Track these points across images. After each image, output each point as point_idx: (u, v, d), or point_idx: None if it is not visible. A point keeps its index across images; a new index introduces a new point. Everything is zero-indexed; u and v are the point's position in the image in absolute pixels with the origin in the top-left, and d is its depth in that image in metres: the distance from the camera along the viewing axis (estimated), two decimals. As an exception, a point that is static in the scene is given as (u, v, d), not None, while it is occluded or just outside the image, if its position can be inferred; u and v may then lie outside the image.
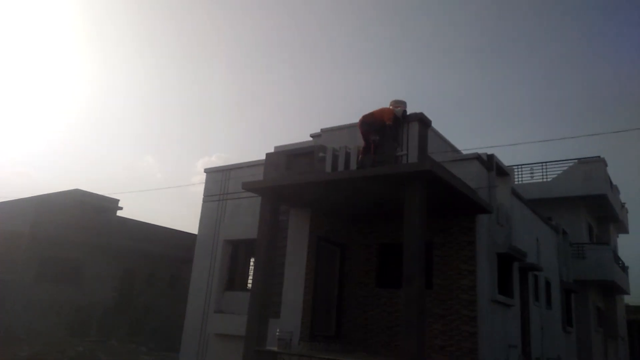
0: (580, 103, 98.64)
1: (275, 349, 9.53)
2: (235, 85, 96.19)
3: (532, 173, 22.87)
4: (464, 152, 14.45)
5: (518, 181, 22.58)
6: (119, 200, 24.32)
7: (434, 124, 10.25)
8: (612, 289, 22.50)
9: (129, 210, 58.76)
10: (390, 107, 9.78)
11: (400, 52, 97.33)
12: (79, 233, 19.93)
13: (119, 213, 24.12)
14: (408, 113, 9.79)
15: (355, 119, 10.00)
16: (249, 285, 12.42)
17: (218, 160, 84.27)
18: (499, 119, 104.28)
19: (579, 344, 18.47)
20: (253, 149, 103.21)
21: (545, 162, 22.60)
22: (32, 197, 22.55)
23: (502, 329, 11.17)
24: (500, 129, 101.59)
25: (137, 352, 18.49)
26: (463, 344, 10.01)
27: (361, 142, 9.69)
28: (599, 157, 21.97)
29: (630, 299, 37.36)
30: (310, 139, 13.54)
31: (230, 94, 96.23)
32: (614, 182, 24.63)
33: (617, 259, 22.37)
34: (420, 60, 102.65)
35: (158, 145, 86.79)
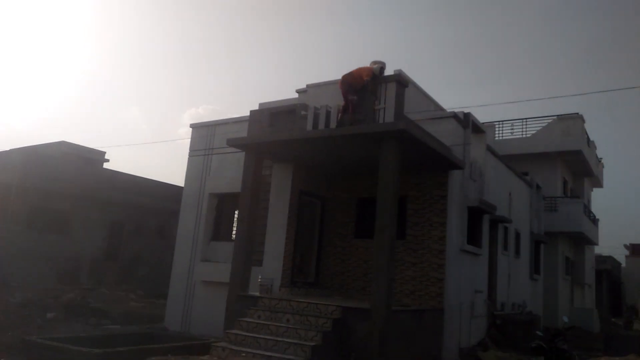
0: (564, 60, 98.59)
1: (257, 294, 10.25)
2: (224, 35, 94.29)
3: (512, 129, 23.47)
4: (447, 109, 14.95)
5: (499, 137, 23.21)
6: (105, 152, 24.54)
7: (419, 79, 10.67)
8: (582, 240, 23.64)
9: (116, 162, 58.88)
10: (369, 66, 10.15)
11: (395, 5, 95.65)
12: (66, 184, 20.25)
13: (106, 165, 24.40)
14: (387, 73, 10.19)
15: (344, 72, 10.33)
16: (234, 236, 13.05)
17: (205, 112, 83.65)
18: (484, 75, 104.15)
19: (546, 291, 19.64)
20: (241, 100, 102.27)
21: (526, 119, 23.18)
22: (18, 148, 22.73)
23: (469, 276, 12.01)
24: (485, 84, 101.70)
25: (126, 299, 19.28)
26: (431, 289, 10.84)
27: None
28: (577, 113, 22.57)
29: (602, 249, 39.16)
30: (296, 94, 13.92)
31: (218, 44, 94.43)
32: (593, 138, 25.38)
33: (588, 212, 23.40)
34: (406, 14, 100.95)
35: (143, 96, 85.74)
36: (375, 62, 10.56)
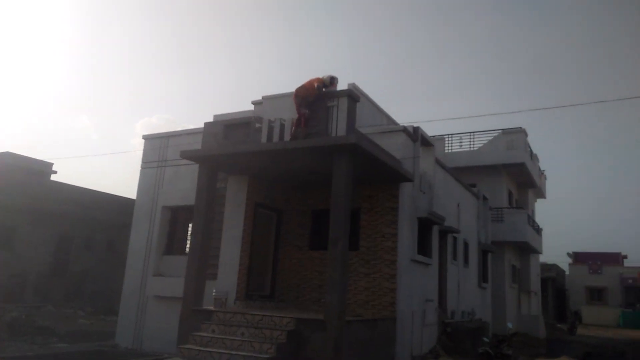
0: (510, 75, 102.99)
1: (211, 307, 10.21)
2: (178, 42, 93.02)
3: (460, 142, 24.37)
4: (399, 122, 15.40)
5: (448, 149, 24.05)
6: (52, 163, 23.72)
7: (371, 91, 10.99)
8: (527, 249, 24.73)
9: (64, 174, 56.70)
10: (320, 77, 10.40)
11: (349, 18, 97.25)
12: (10, 197, 19.47)
13: (53, 177, 23.59)
14: (340, 87, 10.51)
15: (299, 83, 10.52)
16: (188, 250, 12.93)
17: (159, 121, 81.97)
18: (436, 88, 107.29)
19: (494, 298, 20.39)
20: (195, 109, 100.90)
21: (473, 132, 24.11)
22: (-42, 159, 21.67)
23: (420, 285, 12.38)
24: (435, 98, 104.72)
25: (74, 316, 18.68)
26: (384, 299, 11.11)
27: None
28: (520, 128, 23.72)
29: (547, 258, 40.95)
30: (252, 105, 14.01)
31: (173, 51, 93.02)
32: (535, 151, 26.65)
33: (532, 222, 24.51)
34: (361, 27, 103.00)
35: (93, 105, 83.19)
36: (328, 76, 10.91)
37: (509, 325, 12.25)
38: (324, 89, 10.23)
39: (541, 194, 30.09)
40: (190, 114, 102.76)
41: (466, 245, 16.97)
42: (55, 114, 78.28)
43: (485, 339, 12.58)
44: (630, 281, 41.71)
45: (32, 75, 76.20)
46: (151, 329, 12.52)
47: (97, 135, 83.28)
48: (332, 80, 10.43)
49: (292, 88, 10.57)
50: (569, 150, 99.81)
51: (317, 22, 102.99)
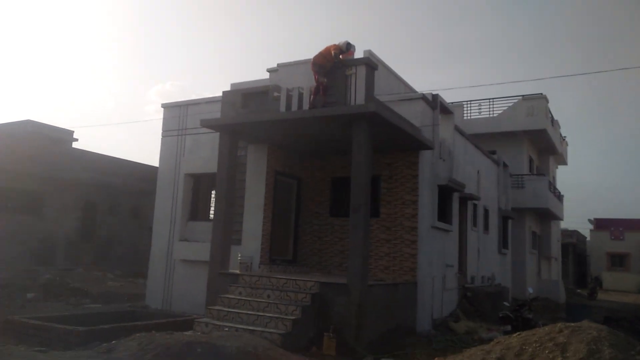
0: (529, 42, 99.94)
1: (237, 271, 10.54)
2: (189, 10, 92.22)
3: (480, 109, 24.07)
4: (417, 89, 15.29)
5: (467, 117, 23.79)
6: (73, 131, 24.16)
7: (388, 58, 10.90)
8: (547, 215, 24.63)
9: (84, 142, 57.57)
10: (336, 44, 10.33)
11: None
12: (35, 165, 19.93)
13: (74, 145, 24.03)
14: (357, 56, 10.46)
15: (313, 51, 10.48)
16: (211, 216, 13.23)
17: (172, 88, 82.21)
18: (453, 55, 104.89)
19: (514, 264, 20.51)
20: (209, 76, 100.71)
21: (493, 99, 23.77)
22: (-19, 127, 22.20)
23: (440, 251, 12.54)
24: (454, 63, 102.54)
25: (104, 279, 19.34)
26: (405, 264, 11.32)
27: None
28: (541, 94, 23.29)
29: (568, 224, 40.78)
30: (267, 73, 14.03)
31: (183, 17, 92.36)
32: (556, 117, 26.21)
33: (553, 188, 24.34)
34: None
35: (108, 72, 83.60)
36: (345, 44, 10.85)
37: (529, 290, 12.40)
38: (340, 56, 10.18)
39: (562, 161, 29.73)
40: (204, 81, 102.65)
41: (486, 211, 17.00)
42: (71, 83, 78.98)
43: (506, 303, 12.77)
44: (652, 247, 41.34)
45: (44, 45, 76.63)
46: (179, 292, 12.98)
47: (112, 102, 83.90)
48: (349, 47, 10.35)
49: (304, 56, 10.53)
50: (591, 117, 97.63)
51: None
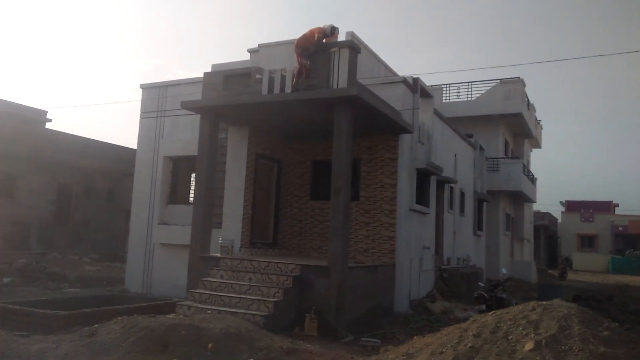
0: (509, 22, 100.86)
1: (218, 254, 10.59)
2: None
3: (458, 92, 24.30)
4: (396, 71, 15.39)
5: (445, 100, 24.03)
6: (47, 112, 23.58)
7: (369, 39, 10.93)
8: (521, 198, 25.20)
9: (58, 122, 56.26)
10: (320, 27, 10.30)
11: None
12: (6, 146, 19.48)
13: (48, 125, 23.50)
14: (340, 38, 10.45)
15: (294, 32, 10.47)
16: (191, 199, 13.21)
17: (148, 67, 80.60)
18: (435, 37, 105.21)
19: (488, 246, 21.02)
20: (183, 55, 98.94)
21: (471, 82, 24.01)
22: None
23: (418, 233, 12.79)
24: (432, 46, 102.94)
25: (80, 262, 19.19)
26: (383, 246, 11.53)
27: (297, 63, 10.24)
28: (518, 77, 23.62)
29: (540, 206, 41.81)
30: (248, 53, 13.92)
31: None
32: (532, 101, 26.66)
33: (527, 171, 24.88)
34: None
35: (82, 49, 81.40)
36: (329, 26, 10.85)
37: (503, 270, 12.75)
38: (324, 40, 10.17)
39: (537, 144, 30.33)
40: (179, 59, 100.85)
41: (462, 194, 17.33)
42: (45, 60, 76.76)
43: (481, 284, 13.14)
44: (620, 229, 42.83)
45: (16, 22, 74.10)
46: (159, 275, 12.98)
47: (85, 80, 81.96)
48: (333, 30, 10.34)
49: (284, 36, 10.49)
50: (564, 101, 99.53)
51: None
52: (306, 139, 12.99)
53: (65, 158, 21.62)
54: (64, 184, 22.02)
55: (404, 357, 5.03)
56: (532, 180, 26.44)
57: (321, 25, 10.40)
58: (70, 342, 6.66)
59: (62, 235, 21.81)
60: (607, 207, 45.94)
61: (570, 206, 46.74)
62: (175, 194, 13.90)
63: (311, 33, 10.16)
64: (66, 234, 22.01)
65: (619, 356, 4.03)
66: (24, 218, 20.32)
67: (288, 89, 10.12)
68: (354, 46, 10.08)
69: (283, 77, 10.31)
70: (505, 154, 24.51)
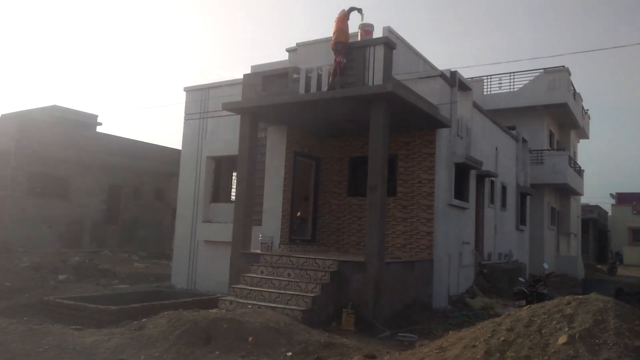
0: (553, 10, 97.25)
1: (258, 251, 10.89)
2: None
3: (500, 83, 23.81)
4: (435, 64, 15.30)
5: (487, 91, 23.60)
6: (97, 115, 24.70)
7: (405, 31, 11.00)
8: (567, 191, 24.48)
9: (108, 125, 58.49)
10: (337, 18, 10.41)
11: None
12: (62, 149, 20.50)
13: (99, 129, 24.59)
14: (376, 36, 10.56)
15: (328, 30, 10.64)
16: (233, 197, 13.58)
17: (193, 70, 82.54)
18: (473, 26, 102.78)
19: (532, 240, 20.55)
20: (226, 57, 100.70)
21: (513, 73, 23.47)
22: (10, 113, 22.85)
23: (457, 229, 12.70)
24: (473, 35, 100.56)
25: (130, 260, 19.99)
26: (421, 242, 11.54)
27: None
28: (563, 66, 22.89)
29: (589, 199, 40.39)
30: (286, 53, 14.18)
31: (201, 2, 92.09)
32: (579, 90, 25.79)
33: (573, 163, 24.13)
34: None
35: (129, 56, 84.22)
36: (364, 26, 10.96)
37: (545, 265, 12.52)
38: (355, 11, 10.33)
39: (584, 135, 29.31)
40: (222, 62, 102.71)
41: (504, 188, 17.03)
42: (93, 64, 79.86)
43: (521, 279, 12.93)
44: (675, 221, 40.76)
45: (68, 31, 77.39)
46: (203, 271, 13.44)
47: (134, 84, 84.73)
48: (350, 10, 10.48)
49: (319, 34, 10.64)
50: (613, 89, 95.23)
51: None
52: (343, 136, 13.13)
53: (115, 160, 22.55)
54: (114, 184, 22.96)
55: (437, 351, 5.10)
56: (579, 172, 25.62)
57: (358, 29, 10.60)
58: (120, 335, 7.07)
59: (113, 233, 22.78)
60: (661, 199, 43.80)
61: (621, 198, 44.85)
62: (218, 192, 14.32)
63: (340, 22, 10.22)
64: (116, 232, 22.97)
65: (655, 351, 3.97)
66: (78, 218, 21.34)
67: (324, 87, 10.29)
68: (389, 42, 10.13)
69: (319, 76, 10.49)
70: (550, 146, 23.85)
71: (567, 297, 5.09)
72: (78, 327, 7.94)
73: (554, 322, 4.62)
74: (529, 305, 5.50)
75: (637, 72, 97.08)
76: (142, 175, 23.91)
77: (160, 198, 24.77)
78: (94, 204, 22.10)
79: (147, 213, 24.08)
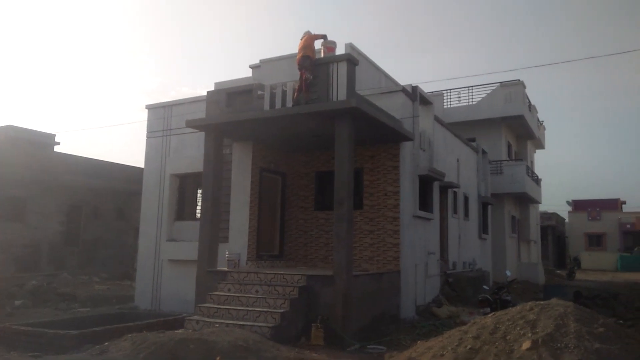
0: (506, 24, 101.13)
1: (225, 268, 10.76)
2: (169, 7, 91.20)
3: (459, 97, 24.51)
4: (397, 79, 15.61)
5: (447, 105, 24.24)
6: (55, 135, 24.00)
7: (366, 48, 11.21)
8: (526, 200, 25.26)
9: (67, 145, 56.84)
10: (305, 36, 10.55)
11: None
12: (18, 170, 19.83)
13: (57, 148, 23.89)
14: (338, 53, 10.72)
15: (291, 45, 10.78)
16: (198, 215, 13.41)
17: (154, 85, 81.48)
18: (429, 42, 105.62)
19: (494, 249, 21.06)
20: (187, 72, 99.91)
21: (471, 87, 24.21)
22: (-37, 135, 21.94)
23: (422, 239, 12.91)
24: (430, 51, 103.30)
25: (90, 282, 19.40)
26: (388, 253, 11.66)
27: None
28: (518, 80, 23.77)
29: (547, 207, 41.74)
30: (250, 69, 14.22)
31: (163, 14, 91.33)
32: (534, 102, 26.79)
33: (531, 173, 24.95)
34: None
35: (87, 73, 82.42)
36: (326, 43, 11.13)
37: (507, 273, 12.86)
38: (321, 45, 10.48)
39: (540, 145, 30.41)
40: (182, 76, 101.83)
41: (466, 198, 17.44)
42: (48, 83, 77.78)
43: (485, 287, 13.22)
44: (628, 226, 42.60)
45: (22, 50, 75.27)
46: (168, 291, 13.16)
47: (92, 101, 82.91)
48: (324, 37, 10.70)
49: (285, 51, 10.76)
50: (566, 100, 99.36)
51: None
52: (309, 150, 13.21)
53: (74, 180, 21.94)
54: (73, 205, 22.31)
55: (407, 361, 5.16)
56: (537, 181, 26.49)
57: (322, 46, 10.76)
58: (82, 360, 6.83)
59: (73, 255, 22.06)
60: (614, 204, 45.73)
61: (577, 205, 46.57)
62: (183, 210, 14.11)
63: (309, 40, 10.35)
64: (76, 254, 22.25)
65: (613, 352, 4.14)
66: (35, 240, 20.59)
67: (289, 103, 10.34)
68: (352, 59, 10.29)
69: (284, 92, 10.54)
70: (509, 157, 24.61)
71: (530, 303, 5.25)
72: (36, 354, 7.62)
73: (518, 328, 4.76)
74: (493, 313, 5.64)
75: (587, 84, 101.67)
76: (102, 194, 23.33)
77: (121, 217, 24.20)
78: (52, 226, 21.39)
79: (108, 233, 23.46)
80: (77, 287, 17.13)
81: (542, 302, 5.21)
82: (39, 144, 22.71)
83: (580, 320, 4.63)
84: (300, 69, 10.21)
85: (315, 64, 10.26)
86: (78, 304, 13.92)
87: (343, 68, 10.06)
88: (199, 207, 13.61)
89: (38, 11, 78.04)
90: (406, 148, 12.28)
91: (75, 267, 21.53)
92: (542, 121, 30.26)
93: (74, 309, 13.06)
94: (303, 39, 10.48)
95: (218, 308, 9.33)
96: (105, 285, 18.76)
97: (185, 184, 14.15)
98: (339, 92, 9.96)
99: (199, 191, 13.78)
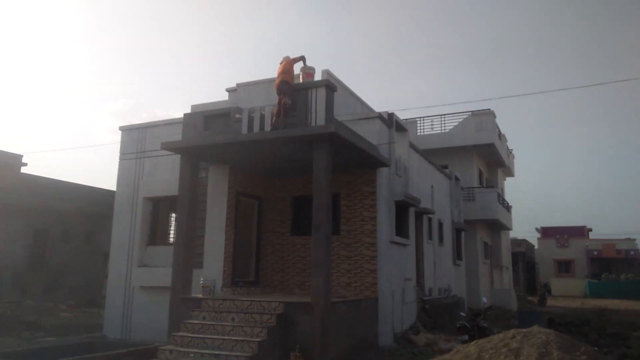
0: (475, 56, 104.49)
1: (200, 295, 10.49)
2: (139, 25, 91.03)
3: (432, 124, 24.97)
4: (370, 104, 15.79)
5: (420, 132, 24.65)
6: (22, 156, 23.30)
7: (341, 74, 11.33)
8: (497, 226, 25.65)
9: (34, 166, 55.27)
10: (284, 62, 10.63)
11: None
12: (-19, 192, 19.15)
13: (24, 170, 23.16)
14: (316, 78, 10.81)
15: (268, 69, 10.83)
16: (171, 240, 13.12)
17: (124, 106, 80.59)
18: (407, 68, 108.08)
19: (468, 275, 21.22)
20: (158, 93, 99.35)
21: (444, 115, 24.73)
22: None
23: (399, 265, 12.90)
24: (405, 78, 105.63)
25: (56, 310, 18.64)
26: (365, 280, 11.59)
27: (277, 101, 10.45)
28: (489, 109, 24.42)
29: (517, 233, 42.49)
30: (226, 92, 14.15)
31: (133, 34, 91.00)
32: (503, 131, 27.50)
33: (502, 200, 25.42)
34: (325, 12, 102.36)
35: (56, 93, 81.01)
36: (306, 68, 11.23)
37: (484, 299, 12.93)
38: (300, 72, 10.56)
39: (510, 173, 31.09)
40: (155, 98, 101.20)
41: (440, 224, 17.59)
42: (15, 103, 76.08)
43: (462, 314, 13.24)
44: (595, 253, 43.60)
45: (-8, 65, 73.69)
46: (139, 319, 12.73)
47: (62, 123, 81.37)
48: (303, 58, 10.81)
49: (262, 75, 10.80)
50: (534, 129, 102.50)
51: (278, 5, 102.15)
52: (286, 175, 13.15)
53: (41, 202, 21.26)
54: (39, 228, 21.56)
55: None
56: (508, 208, 26.98)
57: (300, 70, 10.84)
58: (50, 393, 6.49)
59: (38, 281, 21.20)
60: (581, 232, 46.84)
61: (546, 232, 47.53)
62: (155, 235, 13.79)
63: (287, 65, 10.42)
64: (42, 279, 21.40)
65: (597, 380, 4.16)
66: (-2, 266, 19.76)
67: (267, 127, 10.32)
68: (330, 85, 10.39)
69: (262, 116, 10.53)
70: (480, 184, 25.06)
71: (512, 330, 5.25)
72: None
73: (502, 357, 4.75)
74: (475, 341, 5.62)
75: (554, 114, 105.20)
76: (70, 218, 22.63)
77: (90, 242, 23.47)
78: (17, 250, 20.57)
79: (76, 258, 22.69)
80: (42, 314, 16.42)
81: (523, 330, 5.23)
82: (5, 164, 21.98)
83: (562, 348, 4.65)
84: (279, 93, 10.24)
85: (294, 89, 10.31)
86: (43, 332, 13.32)
87: (322, 94, 10.14)
88: (172, 232, 13.32)
89: (3, 29, 76.78)
90: (382, 174, 12.36)
91: (41, 294, 20.67)
92: (512, 149, 31.03)
93: (39, 338, 12.49)
94: (282, 64, 10.55)
95: (192, 337, 9.06)
96: (72, 313, 18.05)
97: (158, 208, 13.87)
98: (318, 117, 10.01)
99: (173, 215, 13.52)
